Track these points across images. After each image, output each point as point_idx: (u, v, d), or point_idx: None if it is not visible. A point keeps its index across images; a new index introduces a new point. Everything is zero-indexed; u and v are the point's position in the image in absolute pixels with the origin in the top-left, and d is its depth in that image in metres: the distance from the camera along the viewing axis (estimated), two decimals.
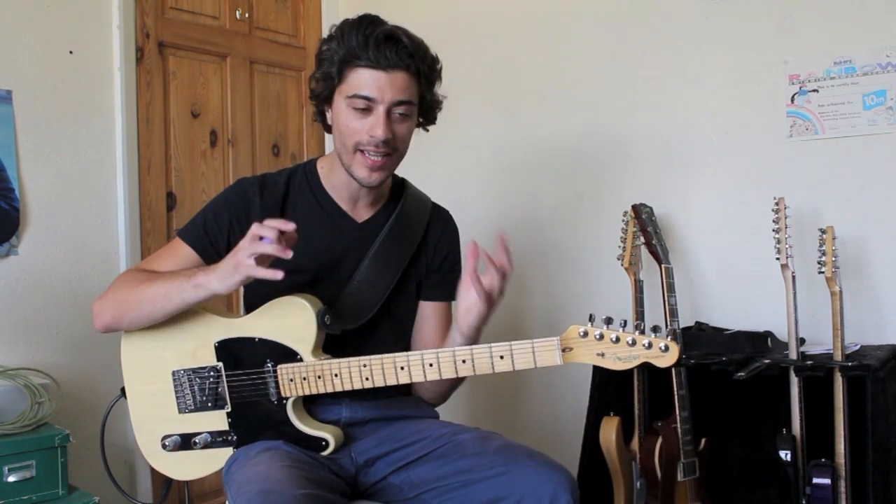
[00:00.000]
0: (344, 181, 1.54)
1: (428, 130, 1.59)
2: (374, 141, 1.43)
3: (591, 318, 1.29)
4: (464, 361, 1.34)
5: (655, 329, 1.24)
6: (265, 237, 1.30)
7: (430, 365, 1.36)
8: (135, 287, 1.45)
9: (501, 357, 1.31)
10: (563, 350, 1.28)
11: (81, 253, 2.37)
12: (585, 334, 1.27)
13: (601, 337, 1.26)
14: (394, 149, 1.46)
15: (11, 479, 1.86)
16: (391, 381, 1.38)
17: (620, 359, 1.25)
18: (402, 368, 1.37)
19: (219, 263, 1.39)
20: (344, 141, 1.47)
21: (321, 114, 1.56)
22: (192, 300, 1.41)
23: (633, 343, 1.24)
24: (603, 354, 1.26)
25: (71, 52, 2.35)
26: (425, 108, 1.53)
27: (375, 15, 1.46)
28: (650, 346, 1.23)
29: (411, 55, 1.43)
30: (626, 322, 1.26)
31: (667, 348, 1.22)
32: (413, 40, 1.44)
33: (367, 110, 1.43)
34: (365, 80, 1.42)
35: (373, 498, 1.51)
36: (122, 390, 1.57)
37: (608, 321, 1.27)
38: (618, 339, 1.25)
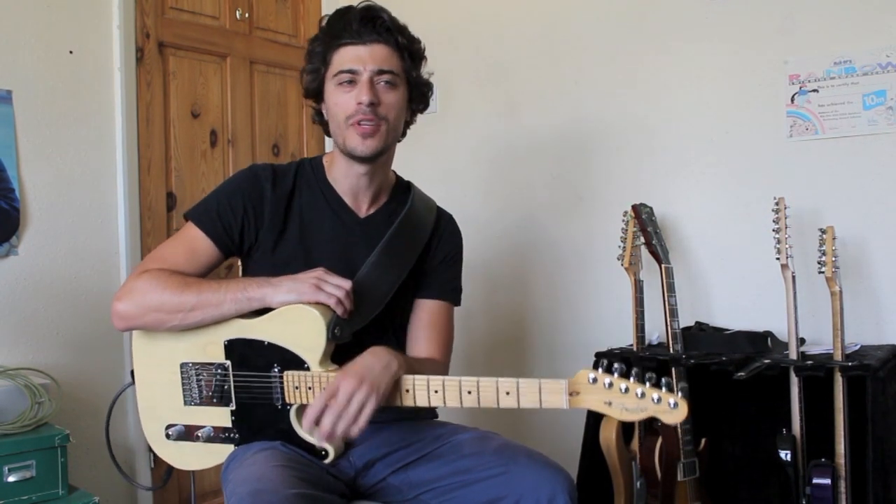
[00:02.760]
0: (344, 172, 1.55)
1: (422, 111, 1.60)
2: (361, 109, 1.45)
3: (601, 364, 1.26)
4: (469, 392, 1.32)
5: (667, 383, 1.22)
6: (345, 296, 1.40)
7: (436, 392, 1.34)
8: (174, 293, 1.43)
9: (507, 393, 1.29)
10: (571, 394, 1.25)
11: (81, 253, 2.37)
12: (595, 381, 1.23)
13: (610, 385, 1.22)
14: (383, 117, 1.47)
15: (11, 479, 1.87)
16: (395, 403, 1.37)
17: (627, 409, 1.23)
18: (408, 391, 1.36)
19: (277, 278, 1.42)
20: (337, 120, 1.49)
21: (319, 114, 1.57)
22: (243, 311, 1.44)
23: (642, 396, 1.21)
24: (610, 403, 1.23)
25: (71, 52, 2.35)
26: (413, 87, 1.54)
27: (350, 5, 1.50)
28: (659, 401, 1.21)
29: (389, 29, 1.47)
30: (637, 371, 1.24)
31: (676, 405, 1.20)
32: (391, 16, 1.49)
33: (351, 83, 1.46)
34: (347, 57, 1.47)
35: (372, 499, 1.51)
36: (132, 373, 1.57)
37: (621, 370, 1.24)
38: (627, 390, 1.22)
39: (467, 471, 1.43)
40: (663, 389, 1.21)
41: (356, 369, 1.33)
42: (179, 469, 1.55)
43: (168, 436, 1.52)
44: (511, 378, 1.29)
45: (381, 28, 1.46)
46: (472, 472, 1.42)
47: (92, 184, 2.40)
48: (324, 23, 1.52)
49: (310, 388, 1.40)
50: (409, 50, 1.51)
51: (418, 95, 1.56)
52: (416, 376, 1.35)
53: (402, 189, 1.65)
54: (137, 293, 1.44)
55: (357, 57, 1.46)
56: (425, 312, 1.62)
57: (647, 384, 1.22)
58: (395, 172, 1.65)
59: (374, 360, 1.35)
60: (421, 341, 1.60)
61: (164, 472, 1.63)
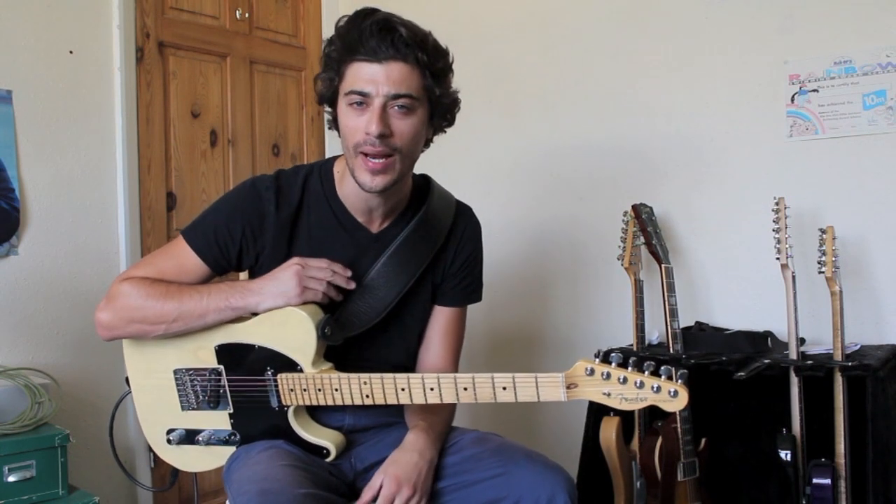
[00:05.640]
0: (356, 193, 1.44)
1: (445, 132, 1.48)
2: (370, 139, 1.32)
3: (597, 355, 1.25)
4: (465, 389, 1.30)
5: (666, 371, 1.20)
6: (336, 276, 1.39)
7: (431, 389, 1.32)
8: (155, 304, 1.40)
9: (504, 388, 1.27)
10: (568, 387, 1.24)
11: (81, 253, 2.37)
12: (592, 372, 1.22)
13: (608, 376, 1.21)
14: (394, 148, 1.34)
15: (11, 479, 1.87)
16: (391, 401, 1.35)
17: (627, 399, 1.21)
18: (403, 389, 1.34)
19: (257, 283, 1.39)
20: (346, 143, 1.37)
21: (335, 118, 1.44)
22: (228, 320, 1.42)
23: (641, 385, 1.20)
24: (609, 394, 1.22)
25: (71, 52, 2.35)
26: (436, 104, 1.40)
27: (372, 7, 1.35)
28: (658, 389, 1.19)
29: (408, 44, 1.31)
30: (634, 360, 1.22)
31: (676, 394, 1.18)
32: (410, 28, 1.33)
33: (363, 106, 1.33)
34: (360, 75, 1.32)
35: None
36: (127, 380, 1.56)
37: (618, 359, 1.22)
38: (625, 380, 1.20)
39: (467, 472, 1.43)
40: (662, 378, 1.19)
41: (406, 472, 1.37)
42: (185, 471, 1.56)
43: (169, 440, 1.52)
44: (507, 373, 1.27)
45: (400, 43, 1.30)
46: (472, 472, 1.42)
47: (92, 184, 2.40)
48: (341, 23, 1.36)
49: (305, 390, 1.39)
50: (430, 67, 1.35)
51: (442, 113, 1.43)
52: (412, 374, 1.34)
53: (420, 190, 1.54)
54: (119, 303, 1.41)
55: (370, 78, 1.31)
56: (443, 320, 1.58)
57: (646, 373, 1.20)
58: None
59: (421, 461, 1.39)
60: (436, 348, 1.58)
61: (170, 476, 1.63)
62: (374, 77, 1.31)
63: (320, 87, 1.42)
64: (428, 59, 1.34)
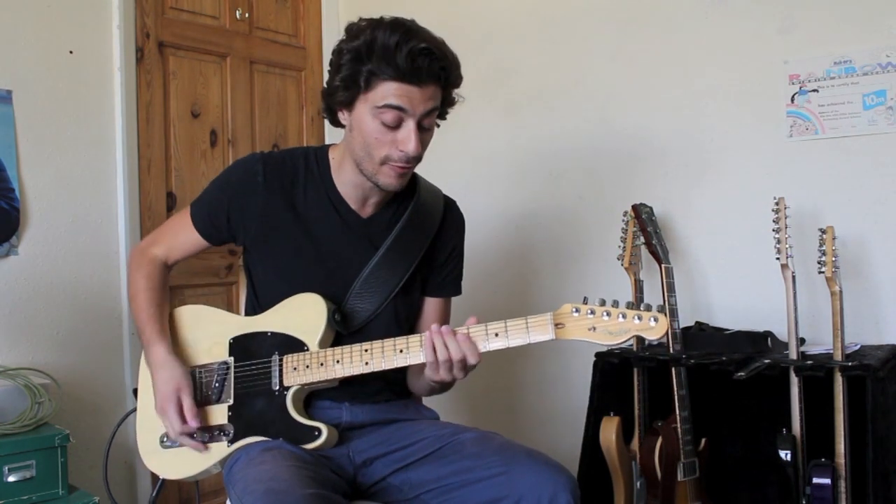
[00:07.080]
0: (354, 183, 1.52)
1: (439, 125, 1.55)
2: (405, 156, 1.41)
3: (584, 300, 1.33)
4: None
5: (645, 305, 1.30)
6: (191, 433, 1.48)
7: None
8: (136, 290, 1.58)
9: (496, 334, 1.36)
10: (556, 325, 1.32)
11: (81, 253, 2.37)
12: (577, 311, 1.31)
13: (592, 313, 1.30)
14: (416, 158, 1.45)
15: (11, 479, 1.87)
16: (390, 365, 1.41)
17: (611, 333, 1.29)
18: (402, 351, 1.40)
19: (160, 363, 1.49)
20: (370, 151, 1.42)
21: (331, 112, 1.49)
22: None
23: (624, 317, 1.28)
24: (594, 328, 1.30)
25: (71, 52, 2.35)
26: (443, 110, 1.52)
27: (408, 21, 1.39)
28: (640, 319, 1.28)
29: (444, 68, 1.40)
30: (617, 302, 1.31)
31: (656, 320, 1.28)
32: (444, 51, 1.41)
33: (396, 124, 1.39)
34: (397, 92, 1.37)
35: (372, 499, 1.52)
36: (135, 391, 1.59)
37: (601, 302, 1.31)
38: (609, 315, 1.29)
39: (468, 470, 1.43)
40: (642, 309, 1.29)
41: None
42: (169, 480, 1.59)
43: (163, 442, 1.53)
44: (499, 321, 1.36)
45: (437, 67, 1.38)
46: (473, 471, 1.42)
47: (92, 184, 2.40)
48: (369, 34, 1.37)
49: (307, 367, 1.45)
50: (453, 85, 1.47)
51: (443, 113, 1.53)
52: (410, 336, 1.41)
53: (408, 184, 1.61)
54: (128, 271, 1.64)
55: (408, 97, 1.37)
56: (434, 311, 1.66)
57: (627, 307, 1.29)
58: None
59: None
60: None
61: (153, 488, 1.65)
62: (411, 97, 1.38)
63: (340, 97, 1.43)
64: (454, 79, 1.46)
